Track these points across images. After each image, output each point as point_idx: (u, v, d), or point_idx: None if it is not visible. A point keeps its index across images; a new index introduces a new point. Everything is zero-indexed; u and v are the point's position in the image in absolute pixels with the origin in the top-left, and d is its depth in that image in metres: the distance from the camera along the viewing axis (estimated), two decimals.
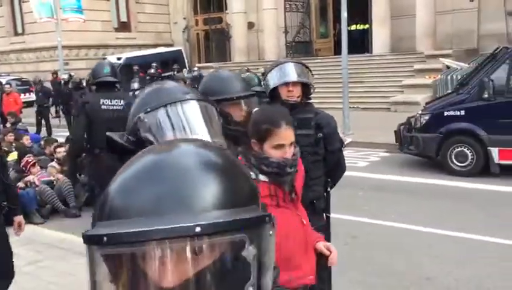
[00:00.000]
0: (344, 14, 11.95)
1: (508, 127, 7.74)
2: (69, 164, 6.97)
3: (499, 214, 6.24)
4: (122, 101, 5.12)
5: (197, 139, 0.89)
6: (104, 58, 21.65)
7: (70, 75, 15.76)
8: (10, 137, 9.18)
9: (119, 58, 20.32)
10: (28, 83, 20.75)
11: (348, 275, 4.32)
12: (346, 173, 3.25)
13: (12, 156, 7.97)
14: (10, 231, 3.79)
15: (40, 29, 21.38)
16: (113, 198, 0.75)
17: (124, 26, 25.20)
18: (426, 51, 16.79)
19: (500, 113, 7.82)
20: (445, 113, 8.32)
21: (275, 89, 3.00)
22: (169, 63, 20.22)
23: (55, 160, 7.85)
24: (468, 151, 8.10)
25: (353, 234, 5.53)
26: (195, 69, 19.61)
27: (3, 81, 18.77)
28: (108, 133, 1.82)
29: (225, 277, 0.73)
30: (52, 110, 16.62)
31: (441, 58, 15.83)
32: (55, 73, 18.13)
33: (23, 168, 7.44)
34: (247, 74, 12.32)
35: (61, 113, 16.20)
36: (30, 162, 7.46)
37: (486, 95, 7.85)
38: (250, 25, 22.67)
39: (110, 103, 5.04)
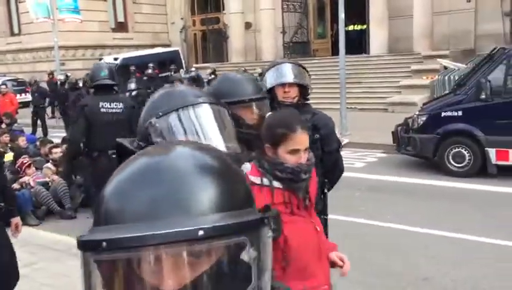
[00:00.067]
0: (341, 15, 11.95)
1: (505, 127, 7.74)
2: (65, 166, 6.95)
3: (495, 214, 6.24)
4: (121, 104, 5.14)
5: (192, 142, 0.87)
6: (101, 59, 21.67)
7: (66, 76, 15.71)
8: (6, 138, 9.13)
9: (116, 59, 20.28)
10: (24, 83, 20.70)
11: (348, 275, 4.29)
12: (344, 174, 3.23)
13: (8, 157, 7.92)
14: (7, 232, 3.76)
15: (36, 30, 21.33)
16: (109, 201, 0.74)
17: (121, 27, 25.17)
18: (423, 51, 16.82)
19: (497, 114, 7.82)
20: (443, 114, 8.31)
21: (272, 89, 2.99)
22: (167, 63, 20.19)
23: (50, 161, 7.81)
24: (465, 152, 8.10)
25: (350, 235, 5.51)
26: (193, 69, 19.58)
27: None
28: (118, 139, 1.79)
29: (226, 280, 0.73)
30: (48, 110, 16.58)
31: (438, 59, 15.85)
32: (51, 73, 18.10)
33: (19, 169, 7.40)
34: (245, 74, 12.32)
35: (57, 113, 16.16)
36: (25, 163, 7.42)
37: (483, 96, 7.85)
38: (248, 26, 22.67)
39: (109, 106, 5.06)
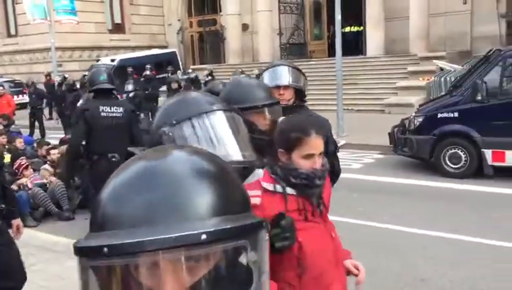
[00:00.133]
0: (338, 17, 11.98)
1: (501, 129, 7.77)
2: (65, 170, 6.96)
3: (492, 215, 6.26)
4: (121, 108, 5.18)
5: (188, 146, 0.87)
6: (98, 60, 21.67)
7: (64, 77, 15.70)
8: (3, 139, 9.11)
9: (113, 60, 20.26)
10: (21, 84, 20.65)
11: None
12: (341, 175, 3.25)
13: (5, 158, 7.91)
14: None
15: (33, 31, 21.29)
16: (106, 206, 0.74)
17: (118, 28, 25.14)
18: (420, 53, 16.87)
19: (493, 115, 7.86)
20: (439, 115, 8.35)
21: None
22: (164, 64, 20.17)
23: (48, 162, 7.81)
24: (461, 153, 8.13)
25: (348, 236, 5.52)
26: (190, 71, 19.59)
27: None
28: (130, 149, 1.78)
29: (227, 283, 0.74)
30: (46, 112, 16.55)
31: (434, 60, 15.90)
32: (48, 75, 18.06)
33: (16, 170, 7.39)
34: (242, 76, 12.33)
35: (54, 115, 16.12)
36: (23, 164, 7.41)
37: (479, 97, 7.89)
38: (245, 27, 22.68)
39: (109, 110, 5.09)
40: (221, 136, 1.48)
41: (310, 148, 1.92)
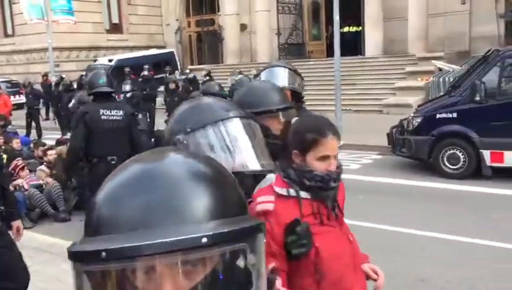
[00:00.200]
0: (336, 17, 11.97)
1: (499, 129, 7.77)
2: (64, 172, 6.94)
3: (490, 216, 6.25)
4: (121, 111, 5.19)
5: (185, 149, 0.85)
6: (95, 60, 21.64)
7: (61, 78, 15.66)
8: (0, 140, 9.07)
9: (110, 60, 20.25)
10: (18, 85, 20.61)
11: None
12: None
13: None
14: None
15: (30, 31, 21.25)
16: (101, 208, 0.72)
17: (115, 28, 25.11)
18: (418, 53, 16.87)
19: (491, 115, 7.85)
20: (437, 116, 8.34)
21: None
22: (161, 65, 20.17)
23: (44, 163, 7.77)
24: (460, 154, 8.12)
25: None
26: (187, 71, 19.56)
27: None
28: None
29: (227, 286, 0.74)
30: (43, 112, 16.50)
31: (433, 61, 15.90)
32: (45, 75, 18.03)
33: (12, 171, 7.35)
34: (240, 76, 12.32)
35: (51, 115, 16.10)
36: (19, 165, 7.37)
37: (478, 98, 7.87)
38: (243, 27, 22.67)
39: (109, 113, 5.10)
40: (238, 144, 1.43)
41: (326, 149, 1.86)
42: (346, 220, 2.05)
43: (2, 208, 3.64)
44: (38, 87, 16.72)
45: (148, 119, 13.30)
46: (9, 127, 12.22)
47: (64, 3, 18.81)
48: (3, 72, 23.77)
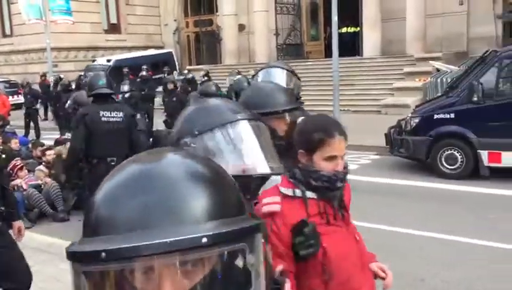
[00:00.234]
0: (334, 18, 11.97)
1: (497, 130, 7.79)
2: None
3: (488, 216, 6.26)
4: (121, 113, 5.22)
5: (183, 150, 0.85)
6: (94, 61, 21.62)
7: (60, 78, 15.63)
8: None
9: (108, 60, 20.23)
10: (16, 85, 20.57)
11: None
12: None
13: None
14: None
15: (28, 31, 21.22)
16: (99, 209, 0.72)
17: (114, 28, 25.08)
18: (416, 53, 16.90)
19: (489, 116, 7.87)
20: (435, 116, 8.35)
21: None
22: (160, 65, 20.16)
23: (43, 163, 7.77)
24: (457, 154, 8.14)
25: None
26: (186, 71, 19.55)
27: None
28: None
29: (226, 286, 0.74)
30: (41, 112, 16.48)
31: (430, 61, 15.93)
32: (43, 75, 17.99)
33: (11, 171, 7.34)
34: (238, 76, 12.31)
35: (50, 115, 16.08)
36: (17, 165, 7.37)
37: (475, 98, 7.89)
38: (241, 27, 22.67)
39: (109, 115, 5.13)
40: (247, 147, 1.41)
41: (333, 150, 1.84)
42: None
43: (3, 208, 3.64)
44: (36, 87, 16.69)
45: (147, 120, 13.29)
46: (8, 127, 12.20)
47: (63, 3, 18.78)
48: (1, 72, 23.73)
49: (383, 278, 1.98)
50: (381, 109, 15.16)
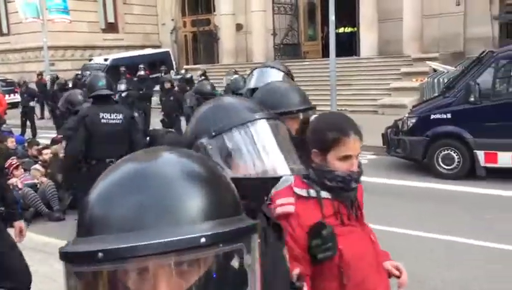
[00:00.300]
0: (332, 17, 11.99)
1: (493, 130, 7.80)
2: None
3: (484, 216, 6.28)
4: (120, 114, 5.23)
5: (179, 149, 0.84)
6: (91, 60, 21.57)
7: (57, 77, 15.59)
8: None
9: (105, 60, 20.19)
10: (12, 83, 20.51)
11: None
12: None
13: None
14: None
15: (25, 30, 21.15)
16: (94, 208, 0.72)
17: (111, 27, 25.04)
18: (413, 54, 16.92)
19: (486, 116, 7.89)
20: (432, 117, 8.36)
21: (254, 90, 3.00)
22: (157, 64, 20.13)
23: (39, 162, 7.74)
24: (454, 154, 8.15)
25: None
26: (183, 71, 19.53)
27: None
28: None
29: (224, 286, 0.73)
30: (37, 111, 16.43)
31: (427, 62, 15.95)
32: (40, 74, 17.95)
33: (6, 170, 7.31)
34: (235, 76, 12.30)
35: (46, 114, 16.03)
36: (13, 164, 7.34)
37: (472, 99, 7.91)
38: (239, 27, 22.66)
39: (109, 117, 5.14)
40: (266, 148, 1.34)
41: (348, 149, 1.79)
42: None
43: (2, 209, 3.62)
44: (33, 86, 16.65)
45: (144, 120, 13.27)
46: (4, 126, 12.19)
47: (60, 2, 18.73)
48: None
49: (398, 277, 1.94)
50: (378, 109, 15.18)
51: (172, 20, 25.94)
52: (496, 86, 8.05)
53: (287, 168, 1.33)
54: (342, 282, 1.77)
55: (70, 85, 13.80)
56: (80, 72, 18.05)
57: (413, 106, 10.13)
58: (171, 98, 12.13)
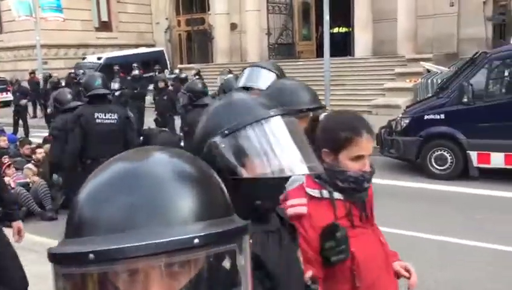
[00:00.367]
0: (326, 17, 12.01)
1: (486, 131, 7.84)
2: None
3: (477, 217, 6.30)
4: (116, 114, 5.25)
5: (169, 148, 0.83)
6: (84, 58, 21.46)
7: (49, 76, 15.50)
8: None
9: (99, 58, 20.10)
10: (5, 82, 20.39)
11: None
12: None
13: None
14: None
15: (18, 28, 21.03)
16: (83, 208, 0.70)
17: (105, 26, 24.93)
18: (407, 54, 16.97)
19: (479, 117, 7.92)
20: (425, 117, 8.39)
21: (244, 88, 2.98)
22: (151, 63, 20.07)
23: (32, 161, 7.69)
24: (447, 155, 8.18)
25: None
26: (177, 71, 19.48)
27: None
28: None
29: (216, 287, 0.73)
30: (30, 110, 16.34)
31: (421, 62, 16.00)
32: (32, 72, 17.85)
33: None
34: (229, 75, 12.28)
35: (39, 113, 15.93)
36: (5, 163, 7.29)
37: (465, 99, 7.94)
38: (233, 26, 22.64)
39: (104, 117, 5.16)
40: (282, 146, 1.28)
41: (361, 149, 1.75)
42: None
43: (0, 209, 3.58)
44: (25, 84, 16.55)
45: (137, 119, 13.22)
46: None
47: (53, 0, 18.63)
48: None
49: (407, 277, 1.91)
50: (372, 109, 15.20)
51: (167, 19, 25.87)
52: (489, 87, 8.09)
53: (305, 167, 1.27)
54: (354, 285, 1.74)
55: (63, 84, 13.72)
56: (73, 71, 17.96)
57: (407, 107, 10.16)
58: (165, 97, 12.10)
